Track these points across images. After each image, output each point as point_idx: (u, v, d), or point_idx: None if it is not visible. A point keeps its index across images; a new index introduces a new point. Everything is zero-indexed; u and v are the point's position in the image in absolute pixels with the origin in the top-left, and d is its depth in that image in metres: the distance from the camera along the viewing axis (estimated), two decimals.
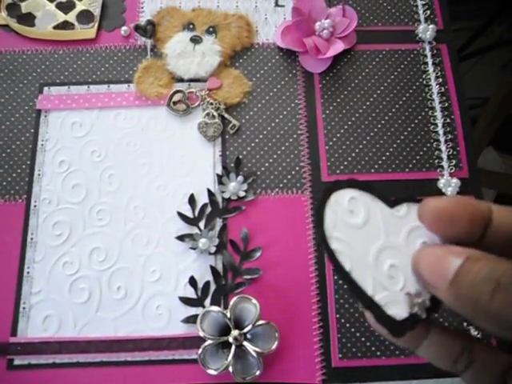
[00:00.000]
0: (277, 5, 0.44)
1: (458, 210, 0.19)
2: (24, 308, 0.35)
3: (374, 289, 0.20)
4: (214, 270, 0.36)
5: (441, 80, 0.42)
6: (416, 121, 0.41)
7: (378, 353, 0.34)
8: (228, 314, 0.33)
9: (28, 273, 0.36)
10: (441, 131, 0.40)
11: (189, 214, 0.37)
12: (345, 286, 0.35)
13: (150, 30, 0.42)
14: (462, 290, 0.18)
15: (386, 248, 0.21)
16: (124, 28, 0.43)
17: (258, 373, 0.32)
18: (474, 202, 0.19)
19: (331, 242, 0.21)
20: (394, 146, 0.40)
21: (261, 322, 0.33)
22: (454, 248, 0.18)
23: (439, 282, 0.18)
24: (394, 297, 0.20)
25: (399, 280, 0.20)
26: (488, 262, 0.17)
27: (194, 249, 0.36)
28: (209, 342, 0.32)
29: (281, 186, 0.39)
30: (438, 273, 0.18)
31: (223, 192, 0.38)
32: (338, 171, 0.39)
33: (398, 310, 0.20)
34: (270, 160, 0.39)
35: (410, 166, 0.39)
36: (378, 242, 0.22)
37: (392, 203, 0.22)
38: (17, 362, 0.34)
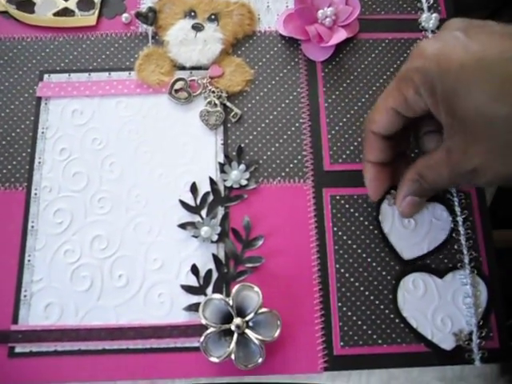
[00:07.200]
0: None
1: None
2: (25, 296, 0.35)
3: (432, 335, 0.34)
4: (216, 258, 0.36)
5: None
6: None
7: (380, 341, 0.34)
8: (230, 302, 0.33)
9: (29, 261, 0.36)
10: None
11: (191, 202, 0.37)
12: (351, 279, 0.36)
13: (151, 17, 0.41)
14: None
15: (438, 308, 0.34)
16: (125, 15, 0.42)
17: (260, 360, 0.32)
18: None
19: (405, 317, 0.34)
20: None
21: (263, 309, 0.32)
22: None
23: None
24: (444, 337, 0.34)
25: (447, 326, 0.34)
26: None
27: (196, 237, 0.36)
28: (211, 329, 0.32)
29: (283, 174, 0.38)
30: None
31: (225, 180, 0.38)
32: (340, 160, 0.39)
33: (447, 345, 0.34)
34: (272, 149, 0.39)
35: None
36: (433, 304, 0.35)
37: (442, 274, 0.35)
38: (18, 349, 0.34)
